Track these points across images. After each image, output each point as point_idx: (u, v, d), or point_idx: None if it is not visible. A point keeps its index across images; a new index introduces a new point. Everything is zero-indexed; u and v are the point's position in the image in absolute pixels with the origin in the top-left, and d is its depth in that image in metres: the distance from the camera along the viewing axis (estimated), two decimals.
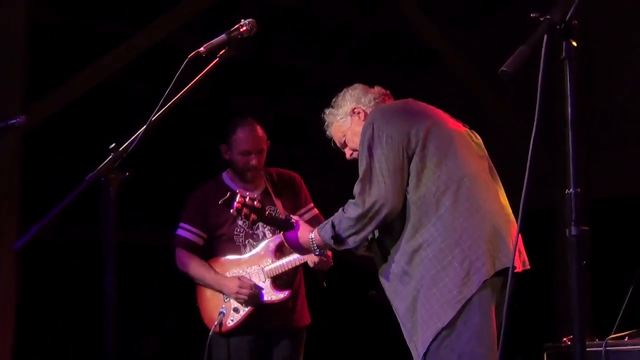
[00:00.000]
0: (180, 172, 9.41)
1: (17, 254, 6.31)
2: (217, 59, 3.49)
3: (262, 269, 5.03)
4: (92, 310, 5.14)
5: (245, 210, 4.34)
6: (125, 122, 4.92)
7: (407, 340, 3.77)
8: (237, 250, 5.11)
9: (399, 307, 3.78)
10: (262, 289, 5.02)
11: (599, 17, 8.10)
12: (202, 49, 3.45)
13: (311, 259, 4.82)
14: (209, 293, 5.13)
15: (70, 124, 8.53)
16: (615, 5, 8.40)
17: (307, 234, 4.04)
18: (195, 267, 5.13)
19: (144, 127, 3.38)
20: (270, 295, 5.01)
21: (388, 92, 4.20)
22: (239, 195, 4.34)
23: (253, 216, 4.35)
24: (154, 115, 3.39)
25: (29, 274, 7.30)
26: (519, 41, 2.67)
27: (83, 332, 8.58)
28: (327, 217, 3.95)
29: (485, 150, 4.01)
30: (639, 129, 8.38)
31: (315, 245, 4.00)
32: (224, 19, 7.26)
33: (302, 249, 4.16)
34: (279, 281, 5.04)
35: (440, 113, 3.99)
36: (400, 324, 3.80)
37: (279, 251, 5.04)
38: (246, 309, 5.01)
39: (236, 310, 5.02)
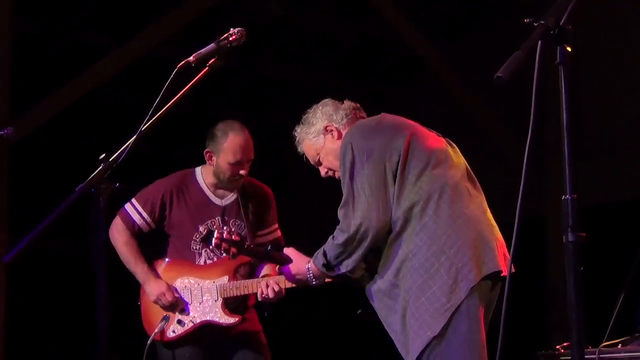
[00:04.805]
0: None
1: (7, 267, 6.28)
2: (207, 68, 3.48)
3: (217, 285, 4.81)
4: (84, 323, 5.07)
5: (224, 245, 4.31)
6: (113, 133, 4.89)
7: (402, 355, 3.74)
8: (192, 257, 4.89)
9: (393, 321, 3.75)
10: (213, 307, 4.81)
11: (585, 24, 8.11)
12: (191, 58, 3.45)
13: (261, 292, 4.61)
14: None
15: (59, 135, 8.50)
16: (602, 12, 8.42)
17: (303, 265, 4.01)
18: (128, 251, 4.86)
19: (134, 137, 3.36)
20: (220, 317, 4.79)
21: (358, 105, 4.17)
22: (216, 232, 4.32)
23: (233, 249, 4.32)
24: (143, 126, 3.38)
25: (19, 286, 7.24)
26: (507, 51, 2.65)
27: (75, 346, 8.50)
28: (315, 226, 3.92)
29: (464, 159, 3.99)
30: (626, 136, 8.40)
31: (312, 275, 3.97)
32: (209, 30, 7.24)
33: (300, 281, 4.09)
34: (231, 303, 4.83)
35: (416, 125, 3.98)
36: (394, 339, 3.77)
37: (237, 271, 4.86)
38: (191, 324, 4.79)
39: (180, 322, 4.80)
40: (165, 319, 4.80)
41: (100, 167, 3.34)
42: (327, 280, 4.02)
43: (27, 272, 7.80)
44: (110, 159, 3.35)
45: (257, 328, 5.00)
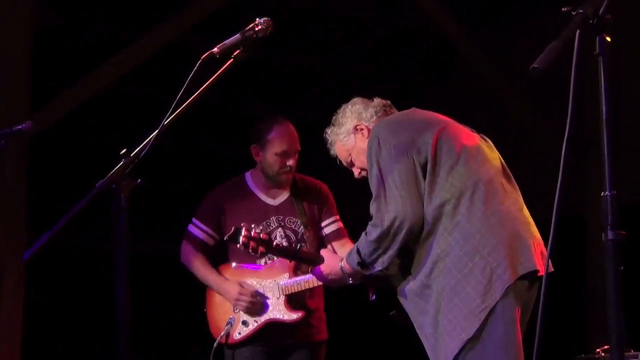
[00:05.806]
0: (189, 179, 9.28)
1: (26, 264, 6.25)
2: (232, 59, 3.37)
3: (278, 283, 4.86)
4: (105, 324, 5.03)
5: (252, 243, 4.37)
6: (134, 127, 4.83)
7: (431, 357, 3.66)
8: (252, 259, 4.92)
9: (424, 321, 3.67)
10: (276, 305, 4.86)
11: (621, 14, 7.93)
12: (215, 49, 3.34)
13: None
14: (218, 300, 4.98)
15: (79, 128, 8.45)
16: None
17: (335, 264, 3.98)
18: (199, 266, 5.02)
19: (156, 131, 3.26)
20: (283, 313, 4.84)
21: (389, 102, 4.11)
22: (244, 229, 4.38)
23: (261, 248, 4.40)
24: (166, 119, 3.28)
25: (38, 285, 7.21)
26: (546, 40, 2.54)
27: (95, 346, 8.47)
28: (347, 225, 3.83)
29: (499, 154, 3.89)
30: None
31: (347, 275, 3.93)
32: (235, 20, 7.14)
33: (334, 282, 4.07)
34: (294, 299, 4.86)
35: (447, 120, 3.89)
36: (423, 340, 3.70)
37: (297, 267, 4.88)
38: (255, 324, 4.85)
39: (245, 323, 4.87)
40: (231, 322, 4.85)
41: (121, 163, 3.23)
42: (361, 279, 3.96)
43: (46, 270, 7.77)
44: (132, 154, 3.25)
45: (322, 337, 5.05)
